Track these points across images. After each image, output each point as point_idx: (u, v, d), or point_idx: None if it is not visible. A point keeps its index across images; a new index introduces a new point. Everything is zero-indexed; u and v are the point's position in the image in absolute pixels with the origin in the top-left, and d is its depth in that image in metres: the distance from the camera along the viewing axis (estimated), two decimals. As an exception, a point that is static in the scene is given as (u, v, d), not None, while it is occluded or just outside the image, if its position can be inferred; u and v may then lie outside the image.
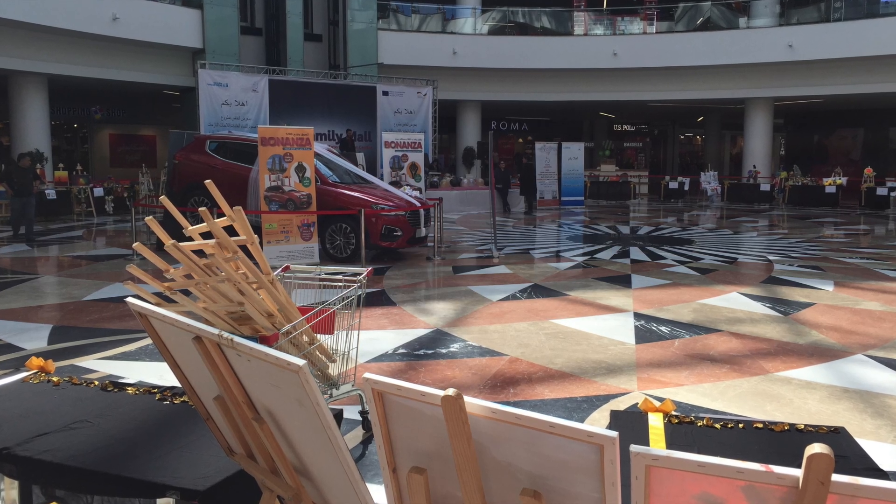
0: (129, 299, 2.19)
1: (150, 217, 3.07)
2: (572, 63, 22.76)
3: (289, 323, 3.12)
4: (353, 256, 9.60)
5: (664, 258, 10.21)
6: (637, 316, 6.47)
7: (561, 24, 25.04)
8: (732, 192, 23.11)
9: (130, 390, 3.29)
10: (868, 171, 20.26)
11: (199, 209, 2.79)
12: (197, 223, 2.93)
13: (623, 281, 8.31)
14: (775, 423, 3.08)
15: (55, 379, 3.51)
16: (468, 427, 1.30)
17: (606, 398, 4.31)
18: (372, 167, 17.57)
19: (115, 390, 3.25)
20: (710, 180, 23.12)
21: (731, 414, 3.96)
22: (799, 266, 9.53)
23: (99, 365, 4.92)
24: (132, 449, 2.50)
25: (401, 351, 5.33)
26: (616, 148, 31.19)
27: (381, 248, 10.12)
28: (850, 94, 21.76)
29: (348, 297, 3.43)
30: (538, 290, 7.71)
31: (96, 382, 3.46)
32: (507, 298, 7.27)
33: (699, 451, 2.01)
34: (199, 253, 2.89)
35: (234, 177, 10.13)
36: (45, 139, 18.01)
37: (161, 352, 2.20)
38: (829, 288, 7.90)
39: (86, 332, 5.81)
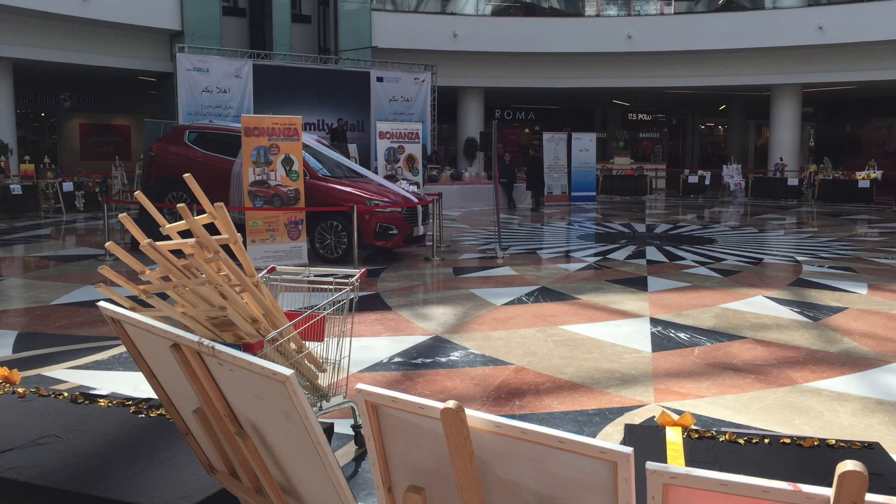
0: (102, 303, 2.19)
1: (124, 214, 3.08)
2: (583, 46, 22.76)
3: (275, 329, 3.12)
4: (345, 257, 9.60)
5: (683, 259, 10.22)
6: (654, 321, 6.47)
7: (571, 3, 25.04)
8: (757, 186, 23.11)
9: (102, 403, 3.29)
10: (905, 163, 20.27)
11: (178, 205, 2.79)
12: (175, 220, 2.93)
13: (638, 283, 8.32)
14: (804, 438, 3.08)
15: (21, 390, 3.51)
16: (470, 442, 1.30)
17: (620, 411, 4.32)
18: (365, 160, 17.57)
19: (86, 402, 3.25)
20: (733, 174, 23.12)
21: (755, 428, 3.96)
22: (830, 267, 9.54)
23: (68, 375, 4.91)
24: (105, 466, 2.51)
25: (397, 360, 5.34)
26: (631, 139, 31.19)
27: (375, 248, 10.12)
28: (885, 81, 21.75)
29: (340, 302, 3.44)
30: (546, 294, 7.72)
31: (65, 394, 3.46)
32: (512, 302, 7.28)
33: (721, 469, 2.01)
34: (178, 253, 2.89)
35: (215, 170, 10.13)
36: (9, 129, 18.01)
37: (136, 360, 2.20)
38: (863, 291, 7.91)
39: (54, 339, 5.81)
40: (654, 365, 5.21)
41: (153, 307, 3.02)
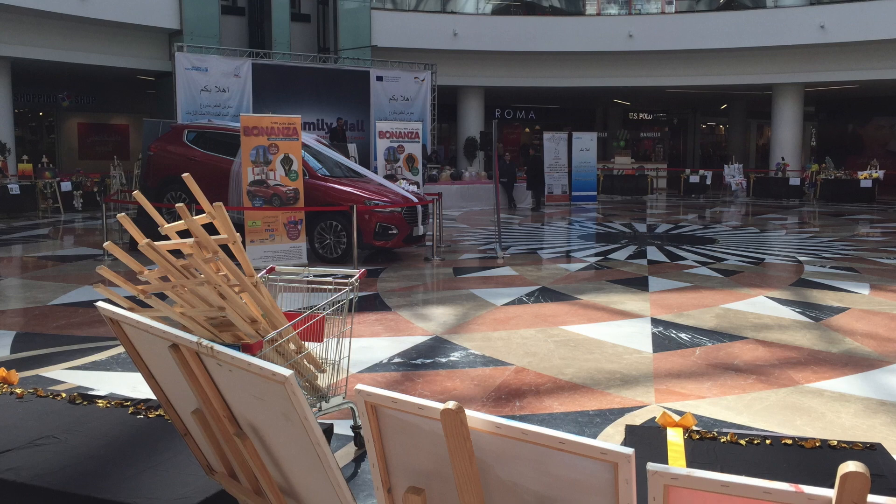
0: (100, 304, 2.20)
1: (123, 214, 3.07)
2: (584, 45, 22.77)
3: (274, 329, 3.12)
4: (345, 257, 9.60)
5: (684, 259, 10.22)
6: (655, 322, 6.47)
7: (571, 2, 25.04)
8: (759, 186, 23.11)
9: (101, 403, 3.30)
10: (907, 163, 20.28)
11: (176, 205, 2.79)
12: (173, 220, 2.93)
13: (639, 283, 8.32)
14: (806, 439, 3.08)
15: (19, 391, 3.51)
16: (470, 443, 1.30)
17: (621, 412, 4.32)
18: (365, 159, 17.57)
19: (84, 403, 3.26)
20: (734, 174, 23.13)
21: (757, 429, 3.96)
22: (832, 267, 9.54)
23: (66, 375, 4.91)
24: (103, 467, 2.51)
25: (396, 360, 5.34)
26: (632, 138, 31.18)
27: (374, 248, 10.12)
28: (887, 80, 21.75)
29: (339, 302, 3.43)
30: (546, 294, 7.72)
31: (63, 395, 3.46)
32: (512, 303, 7.28)
33: (722, 470, 2.01)
34: (177, 253, 2.89)
35: (214, 170, 10.14)
36: (7, 128, 18.01)
37: (134, 361, 2.20)
38: (865, 291, 7.91)
39: (52, 340, 5.81)
40: (655, 365, 5.21)
41: (152, 307, 3.02)
